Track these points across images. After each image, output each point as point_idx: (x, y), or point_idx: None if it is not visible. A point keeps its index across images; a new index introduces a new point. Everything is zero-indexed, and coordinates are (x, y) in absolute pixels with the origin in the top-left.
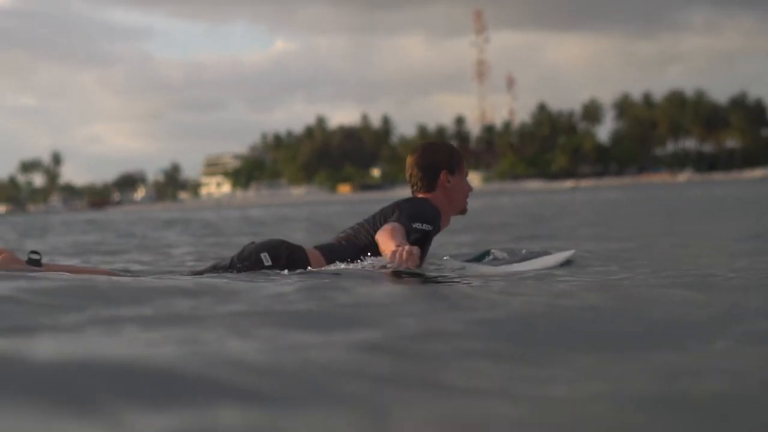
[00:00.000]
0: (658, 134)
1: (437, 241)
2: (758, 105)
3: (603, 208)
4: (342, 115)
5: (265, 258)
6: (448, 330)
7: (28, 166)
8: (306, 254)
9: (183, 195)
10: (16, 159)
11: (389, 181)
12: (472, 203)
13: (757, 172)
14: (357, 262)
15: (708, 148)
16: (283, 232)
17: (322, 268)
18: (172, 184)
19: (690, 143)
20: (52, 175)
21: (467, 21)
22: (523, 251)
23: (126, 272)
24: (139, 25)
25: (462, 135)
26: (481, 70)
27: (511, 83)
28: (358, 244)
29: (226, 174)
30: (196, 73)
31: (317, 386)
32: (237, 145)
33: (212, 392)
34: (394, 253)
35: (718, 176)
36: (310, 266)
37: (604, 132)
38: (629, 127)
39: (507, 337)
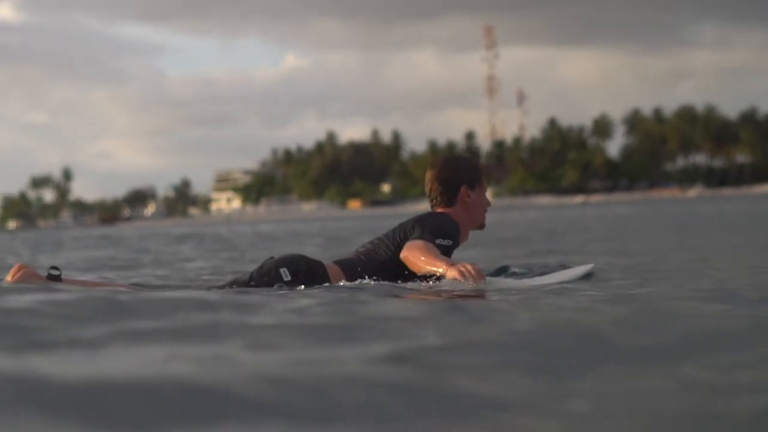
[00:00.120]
0: (668, 149)
1: (452, 256)
2: None
3: (614, 223)
4: (353, 131)
5: (285, 273)
6: (470, 343)
7: (38, 182)
8: (325, 269)
9: (193, 211)
10: (27, 175)
11: (399, 196)
12: None
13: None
14: (376, 278)
15: (718, 163)
16: (296, 247)
17: (342, 283)
18: (182, 199)
19: (700, 158)
20: (62, 191)
21: (478, 36)
22: (542, 268)
23: (145, 287)
24: (151, 41)
25: (472, 150)
26: (492, 86)
27: (521, 98)
28: (377, 259)
29: (237, 189)
30: (207, 89)
31: (342, 399)
32: (248, 161)
33: (237, 407)
34: (462, 272)
35: (728, 191)
36: (330, 281)
37: (614, 147)
38: (639, 142)
39: (529, 350)
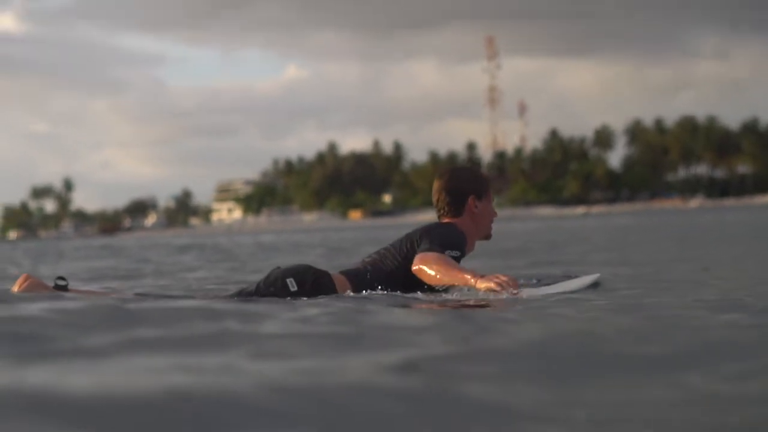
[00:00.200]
0: (669, 160)
1: None
2: None
3: (615, 234)
4: (354, 142)
5: (291, 283)
6: (478, 352)
7: (39, 192)
8: (332, 279)
9: (194, 221)
10: (28, 185)
11: (400, 207)
12: None
13: None
14: (382, 288)
15: (720, 173)
16: (298, 257)
17: (349, 293)
18: (183, 210)
19: (701, 169)
20: (63, 202)
21: (479, 47)
22: (547, 278)
23: (150, 296)
24: (152, 51)
25: (473, 161)
26: (493, 97)
27: (522, 109)
28: (384, 269)
29: (238, 200)
30: (208, 99)
31: (350, 407)
32: (249, 172)
33: (244, 416)
34: (499, 283)
35: (729, 202)
36: (336, 291)
37: (615, 158)
38: (641, 153)
39: (537, 359)
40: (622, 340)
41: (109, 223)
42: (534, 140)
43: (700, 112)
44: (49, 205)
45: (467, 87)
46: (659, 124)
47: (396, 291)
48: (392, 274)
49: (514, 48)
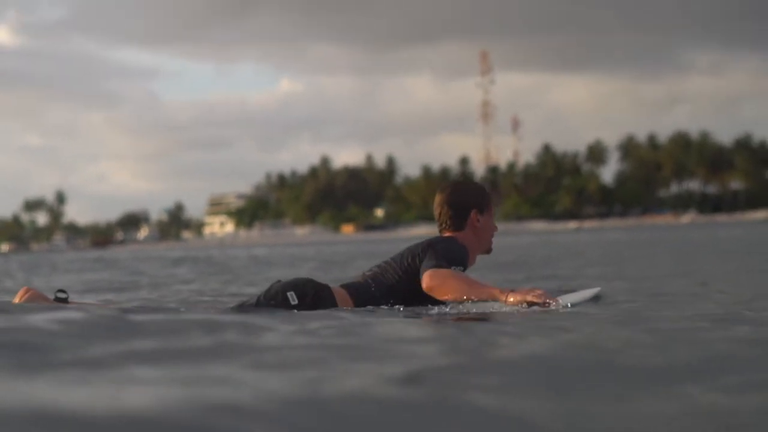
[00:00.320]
0: (662, 176)
1: None
2: (763, 147)
3: (609, 248)
4: (347, 156)
5: (292, 297)
6: (481, 364)
7: (32, 205)
8: (332, 293)
9: (186, 234)
10: (21, 198)
11: (393, 221)
12: None
13: (761, 214)
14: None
15: (712, 189)
16: (292, 270)
17: (349, 307)
18: (175, 223)
19: (694, 185)
20: (55, 214)
21: (473, 62)
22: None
23: (151, 308)
24: (147, 65)
25: (466, 175)
26: (487, 111)
27: (516, 124)
28: (385, 283)
29: (230, 213)
30: (202, 113)
31: (354, 418)
32: (242, 185)
33: (247, 427)
34: (540, 295)
35: (721, 218)
36: (337, 305)
37: (608, 173)
38: (634, 168)
39: (540, 371)
40: (625, 352)
41: (101, 236)
42: (527, 155)
43: (694, 127)
44: (42, 218)
45: (461, 102)
46: (652, 139)
47: (397, 304)
48: (393, 288)
49: (508, 63)
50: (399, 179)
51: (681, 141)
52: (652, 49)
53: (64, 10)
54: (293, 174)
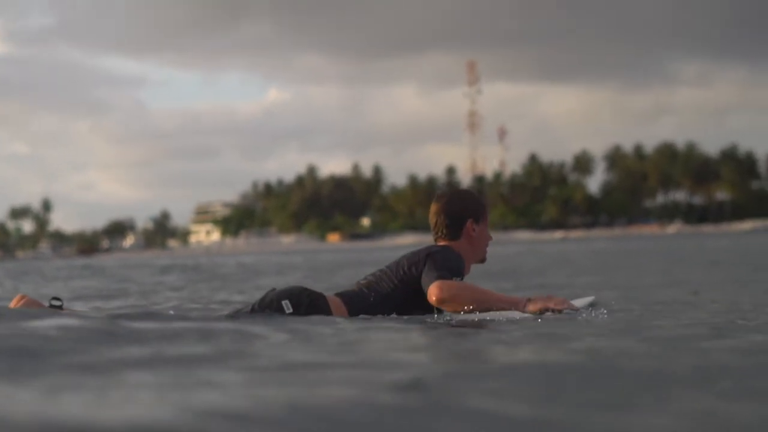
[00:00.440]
0: (648, 186)
1: None
2: (749, 158)
3: (598, 258)
4: (334, 165)
5: (287, 305)
6: (481, 371)
7: (17, 213)
8: (327, 301)
9: (172, 243)
10: (7, 205)
11: (379, 230)
12: None
13: (747, 225)
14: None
15: (698, 200)
16: (281, 279)
17: (344, 315)
18: (161, 231)
19: (680, 195)
20: (41, 222)
21: (460, 72)
22: None
23: (145, 315)
24: (134, 73)
25: (453, 185)
26: (474, 121)
27: (503, 134)
28: (380, 291)
29: (216, 222)
30: (189, 121)
31: (353, 424)
32: (228, 194)
33: None
34: (560, 302)
35: (707, 228)
36: (332, 313)
37: (594, 183)
38: (620, 178)
39: (540, 376)
40: (623, 359)
41: (87, 244)
42: (513, 165)
43: (680, 138)
44: (27, 226)
45: (448, 111)
46: (639, 150)
47: (392, 313)
48: (389, 297)
49: (494, 73)
50: (385, 188)
51: (667, 151)
52: (639, 59)
53: (51, 18)
54: (280, 183)
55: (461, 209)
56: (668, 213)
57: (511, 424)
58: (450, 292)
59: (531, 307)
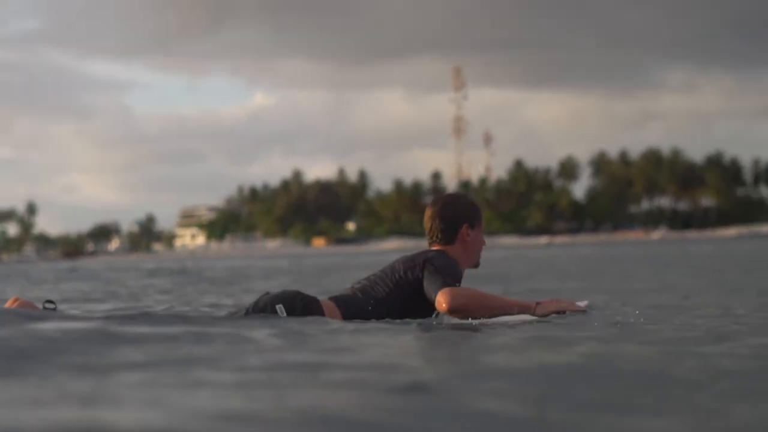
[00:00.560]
0: (633, 192)
1: None
2: (734, 164)
3: (584, 263)
4: (320, 170)
5: (280, 310)
6: (482, 374)
7: (2, 216)
8: (321, 306)
9: (157, 246)
10: None
11: (364, 235)
12: None
13: (731, 231)
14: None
15: (683, 206)
16: (269, 283)
17: (338, 320)
18: (146, 235)
19: (665, 201)
20: (26, 225)
21: (446, 77)
22: None
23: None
24: (119, 77)
25: (438, 190)
26: (459, 127)
27: (488, 140)
28: (374, 296)
29: (201, 226)
30: (175, 125)
31: (355, 426)
32: (214, 198)
33: None
34: (569, 304)
35: (692, 234)
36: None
37: (580, 189)
38: (605, 184)
39: (541, 379)
40: (622, 361)
41: (71, 247)
42: (499, 170)
43: (666, 145)
44: (12, 229)
45: (434, 117)
46: (624, 156)
47: (386, 317)
48: (383, 301)
49: (480, 79)
50: (371, 193)
51: (652, 158)
52: (625, 66)
53: (36, 22)
54: (265, 187)
55: (456, 214)
56: (653, 219)
57: (512, 425)
58: (461, 299)
59: (540, 309)
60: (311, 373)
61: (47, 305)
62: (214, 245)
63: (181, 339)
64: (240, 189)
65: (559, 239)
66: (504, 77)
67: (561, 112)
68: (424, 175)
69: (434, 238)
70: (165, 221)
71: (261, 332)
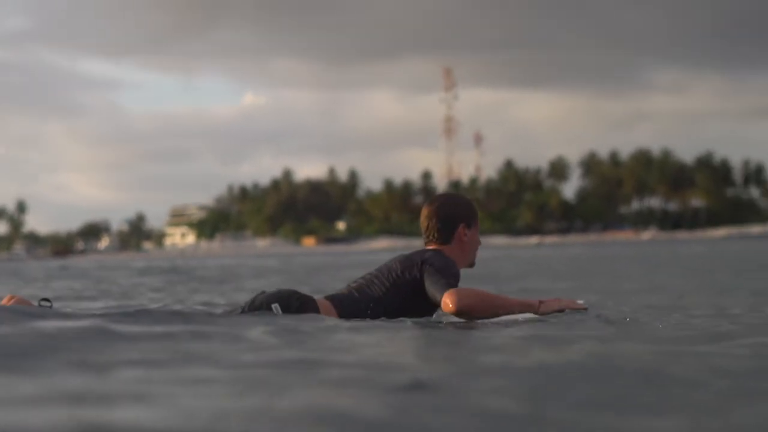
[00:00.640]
0: (623, 192)
1: None
2: (724, 165)
3: (575, 263)
4: (310, 169)
5: (276, 309)
6: (482, 372)
7: None
8: (317, 305)
9: (147, 245)
10: None
11: (354, 234)
12: None
13: (721, 232)
14: (369, 313)
15: (673, 207)
16: (261, 282)
17: (335, 319)
18: (136, 233)
19: (655, 202)
20: (16, 224)
21: (437, 78)
22: None
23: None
24: (111, 76)
25: (428, 190)
26: (450, 127)
27: (479, 140)
28: (371, 295)
29: (191, 225)
30: (165, 124)
31: (354, 424)
32: (204, 197)
33: None
34: (571, 302)
35: (682, 235)
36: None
37: (570, 189)
38: (595, 185)
39: (540, 377)
40: (620, 360)
41: (61, 246)
42: (489, 170)
43: (656, 145)
44: (2, 227)
45: (424, 117)
46: (614, 156)
47: (382, 316)
48: (380, 300)
49: (471, 79)
50: (361, 193)
51: (642, 158)
52: (616, 66)
53: (27, 20)
54: (255, 186)
55: (453, 214)
56: (643, 219)
57: (511, 423)
58: (469, 300)
59: (543, 308)
60: (309, 370)
61: (43, 303)
62: (204, 244)
63: (179, 336)
64: (230, 188)
65: (549, 239)
66: (494, 77)
67: (551, 112)
68: (414, 175)
69: (431, 237)
70: (155, 220)
71: (258, 329)
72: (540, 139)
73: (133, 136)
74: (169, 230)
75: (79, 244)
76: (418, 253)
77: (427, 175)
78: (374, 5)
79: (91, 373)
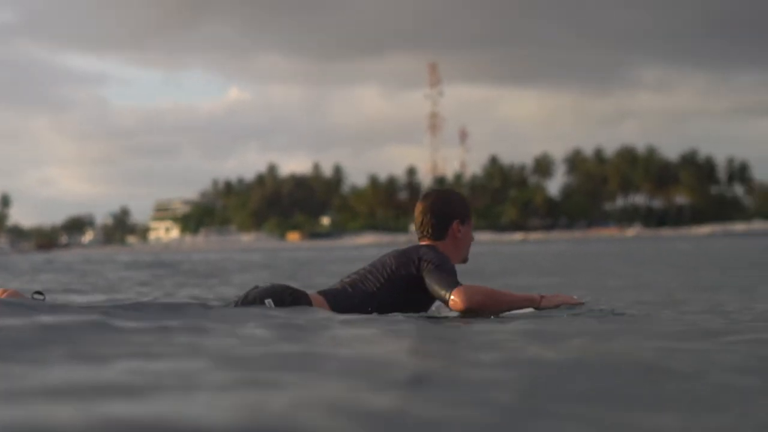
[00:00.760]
0: (608, 189)
1: None
2: (708, 163)
3: (560, 260)
4: (295, 164)
5: (269, 304)
6: (481, 366)
7: None
8: (310, 300)
9: (131, 239)
10: None
11: (339, 229)
12: None
13: (705, 229)
14: (362, 308)
15: (657, 204)
16: (247, 276)
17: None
18: (120, 228)
19: (640, 199)
20: None
21: (422, 74)
22: None
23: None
24: (95, 71)
25: (413, 186)
26: (435, 123)
27: (464, 136)
28: (365, 290)
29: (176, 219)
30: (150, 119)
31: (367, 420)
32: (189, 192)
33: None
34: (569, 298)
35: (666, 232)
36: None
37: (554, 186)
38: (580, 181)
39: (540, 372)
40: (617, 355)
41: (45, 239)
42: (474, 166)
43: (641, 143)
44: None
45: (409, 113)
46: (599, 153)
47: (376, 312)
48: (373, 295)
49: (456, 75)
50: (346, 188)
51: (627, 155)
52: (601, 64)
53: (11, 14)
54: (240, 181)
55: (448, 210)
56: (628, 216)
57: (509, 416)
58: (478, 297)
59: (545, 302)
60: (306, 364)
61: (36, 296)
62: (188, 239)
63: (174, 330)
64: (215, 183)
65: (534, 236)
66: (480, 74)
67: (536, 109)
68: (399, 171)
69: (425, 233)
70: (139, 214)
71: (253, 323)
72: (525, 136)
73: (118, 130)
74: (154, 225)
75: (63, 238)
76: (413, 249)
77: (411, 171)
78: (359, 1)
79: (88, 365)
